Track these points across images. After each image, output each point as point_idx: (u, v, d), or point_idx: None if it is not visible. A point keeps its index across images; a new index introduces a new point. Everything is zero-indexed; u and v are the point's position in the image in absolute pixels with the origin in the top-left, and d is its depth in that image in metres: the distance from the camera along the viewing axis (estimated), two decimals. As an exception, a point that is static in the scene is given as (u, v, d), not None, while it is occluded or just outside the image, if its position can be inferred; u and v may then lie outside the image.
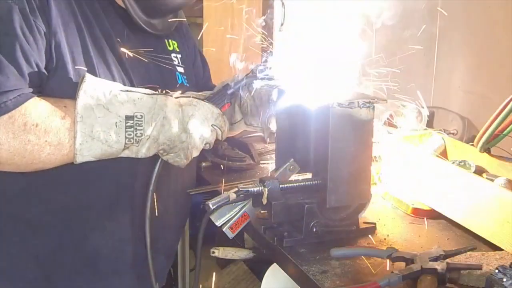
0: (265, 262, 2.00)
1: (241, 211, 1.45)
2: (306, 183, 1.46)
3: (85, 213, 1.29)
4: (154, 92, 1.28)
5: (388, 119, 2.19)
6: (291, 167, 1.47)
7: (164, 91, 1.33)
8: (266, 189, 1.40)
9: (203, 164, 2.07)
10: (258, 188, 1.41)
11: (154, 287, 1.37)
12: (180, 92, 1.34)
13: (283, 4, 2.58)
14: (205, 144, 1.32)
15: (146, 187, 1.30)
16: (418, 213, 1.65)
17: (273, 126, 1.51)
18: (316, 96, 1.42)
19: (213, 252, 2.28)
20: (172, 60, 1.49)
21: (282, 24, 2.59)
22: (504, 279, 1.16)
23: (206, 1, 3.22)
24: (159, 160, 1.29)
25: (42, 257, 1.30)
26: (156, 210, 1.35)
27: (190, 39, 1.65)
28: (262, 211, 1.47)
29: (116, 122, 1.20)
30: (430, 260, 1.28)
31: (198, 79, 1.59)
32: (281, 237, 1.44)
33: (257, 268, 2.42)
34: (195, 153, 1.31)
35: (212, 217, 1.41)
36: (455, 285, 1.24)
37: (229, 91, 1.38)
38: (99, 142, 1.19)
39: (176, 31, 1.56)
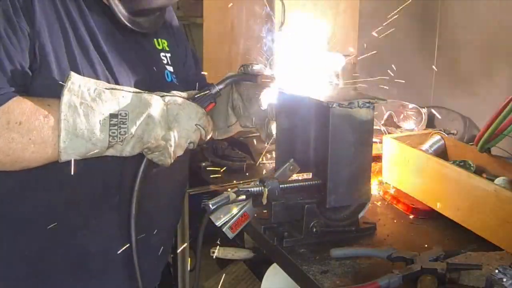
0: (265, 262, 2.00)
1: (241, 211, 1.45)
2: (306, 183, 1.46)
3: (72, 212, 1.30)
4: (139, 90, 1.28)
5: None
6: (291, 167, 1.47)
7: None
8: (266, 189, 1.40)
9: (203, 164, 2.07)
10: (258, 188, 1.40)
11: (140, 287, 1.37)
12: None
13: (283, 3, 2.58)
14: (189, 144, 1.32)
15: (132, 186, 1.31)
16: (418, 213, 1.65)
17: (273, 129, 1.51)
18: (309, 93, 1.43)
19: (213, 252, 2.28)
20: (161, 59, 1.49)
21: (282, 24, 2.60)
22: (504, 279, 1.16)
23: (206, 0, 3.22)
24: (144, 159, 1.30)
25: (31, 255, 1.31)
26: (145, 209, 1.35)
27: (181, 39, 1.65)
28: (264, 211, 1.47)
29: (100, 120, 1.21)
30: (430, 260, 1.28)
31: (190, 79, 1.58)
32: (281, 237, 1.44)
33: (257, 268, 2.42)
34: (179, 152, 1.31)
35: (212, 217, 1.41)
36: (455, 285, 1.24)
37: (214, 91, 1.38)
38: (83, 140, 1.20)
39: (166, 30, 1.56)
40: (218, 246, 2.24)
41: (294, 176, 1.51)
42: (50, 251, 1.31)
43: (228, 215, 1.44)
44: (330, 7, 2.51)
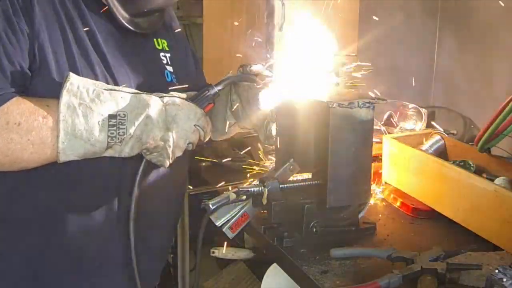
0: (265, 262, 2.00)
1: (241, 211, 1.45)
2: (306, 183, 1.46)
3: (71, 212, 1.30)
4: (138, 91, 1.28)
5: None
6: (291, 167, 1.46)
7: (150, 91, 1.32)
8: (266, 189, 1.40)
9: (203, 164, 2.07)
10: (258, 188, 1.41)
11: (138, 287, 1.37)
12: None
13: (283, 4, 2.58)
14: (188, 144, 1.32)
15: (131, 186, 1.31)
16: (418, 213, 1.65)
17: (273, 131, 1.51)
18: (305, 93, 1.43)
19: (213, 252, 2.28)
20: (161, 59, 1.49)
21: (282, 24, 2.60)
22: (504, 279, 1.16)
23: (206, 0, 3.22)
24: (143, 160, 1.30)
25: (30, 256, 1.31)
26: (145, 209, 1.35)
27: (181, 39, 1.65)
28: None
29: (99, 121, 1.21)
30: (430, 260, 1.28)
31: (190, 79, 1.58)
32: (281, 237, 1.44)
33: (257, 268, 2.42)
34: (178, 153, 1.31)
35: (212, 217, 1.41)
36: (455, 285, 1.24)
37: (212, 92, 1.38)
38: (82, 141, 1.20)
39: (166, 30, 1.56)
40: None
41: (294, 176, 1.51)
42: (49, 251, 1.31)
43: (228, 215, 1.44)
44: (329, 7, 2.51)
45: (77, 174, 1.27)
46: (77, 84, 1.20)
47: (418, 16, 2.43)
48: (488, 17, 2.16)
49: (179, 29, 1.65)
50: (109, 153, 1.25)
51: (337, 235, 1.46)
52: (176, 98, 1.32)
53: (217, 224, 1.42)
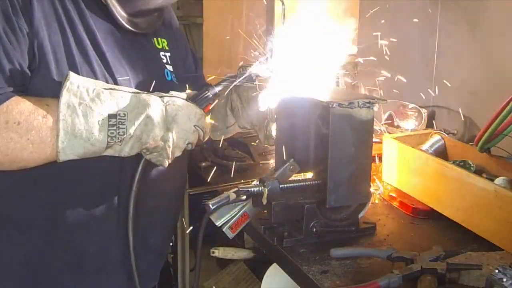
0: (265, 262, 2.00)
1: (241, 211, 1.45)
2: (306, 183, 1.46)
3: (71, 212, 1.30)
4: (138, 91, 1.28)
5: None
6: (291, 167, 1.47)
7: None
8: (266, 189, 1.40)
9: (203, 164, 2.07)
10: (258, 188, 1.41)
11: (137, 287, 1.37)
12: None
13: (283, 3, 2.58)
14: (187, 144, 1.32)
15: (131, 186, 1.31)
16: (418, 213, 1.65)
17: (273, 131, 1.51)
18: (309, 93, 1.43)
19: (213, 252, 2.28)
20: (161, 59, 1.49)
21: (282, 24, 2.60)
22: (504, 279, 1.16)
23: (206, 0, 3.22)
24: (142, 160, 1.30)
25: (29, 255, 1.31)
26: (144, 209, 1.36)
27: (180, 38, 1.65)
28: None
29: (98, 121, 1.21)
30: (430, 260, 1.28)
31: (190, 78, 1.59)
32: (281, 237, 1.44)
33: (257, 268, 2.42)
34: (177, 153, 1.32)
35: (212, 217, 1.41)
36: (455, 285, 1.24)
37: (212, 92, 1.38)
38: (82, 141, 1.20)
39: (166, 30, 1.56)
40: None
41: (294, 176, 1.51)
42: (48, 250, 1.31)
43: (228, 215, 1.44)
44: (330, 7, 2.51)
45: (77, 173, 1.28)
46: (77, 84, 1.20)
47: (419, 15, 2.43)
48: (490, 17, 2.16)
49: (179, 28, 1.65)
50: (108, 152, 1.25)
51: (337, 235, 1.46)
52: (176, 98, 1.32)
53: (217, 224, 1.42)
